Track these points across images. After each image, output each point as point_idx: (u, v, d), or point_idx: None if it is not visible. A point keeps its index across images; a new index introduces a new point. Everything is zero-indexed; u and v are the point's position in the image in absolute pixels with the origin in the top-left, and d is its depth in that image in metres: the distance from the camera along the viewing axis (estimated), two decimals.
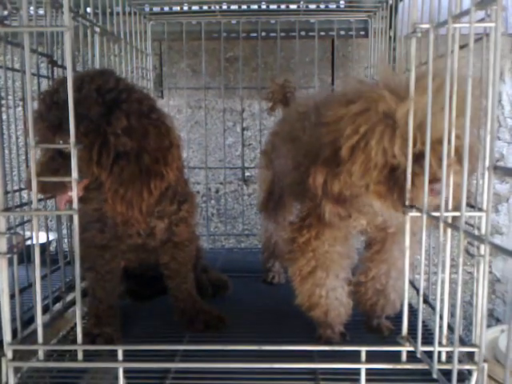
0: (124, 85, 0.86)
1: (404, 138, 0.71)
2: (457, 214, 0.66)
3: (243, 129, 1.87)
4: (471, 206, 0.79)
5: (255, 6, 1.67)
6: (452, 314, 0.75)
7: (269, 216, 1.34)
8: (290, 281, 0.98)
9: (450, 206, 0.68)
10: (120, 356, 0.76)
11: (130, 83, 0.91)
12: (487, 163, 0.62)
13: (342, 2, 1.64)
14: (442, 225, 0.67)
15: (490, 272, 1.88)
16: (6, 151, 1.09)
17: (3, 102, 1.08)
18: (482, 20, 0.75)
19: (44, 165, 0.81)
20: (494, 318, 1.91)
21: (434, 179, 0.69)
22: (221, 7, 1.62)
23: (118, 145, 0.80)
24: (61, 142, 0.80)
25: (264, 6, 1.67)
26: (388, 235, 0.94)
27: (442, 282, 0.69)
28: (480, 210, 0.69)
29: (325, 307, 0.94)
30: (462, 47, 0.67)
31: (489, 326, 1.72)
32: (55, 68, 1.11)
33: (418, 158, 0.71)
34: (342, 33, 1.78)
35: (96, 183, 0.84)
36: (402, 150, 0.72)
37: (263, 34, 1.76)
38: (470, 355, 0.73)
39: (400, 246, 0.91)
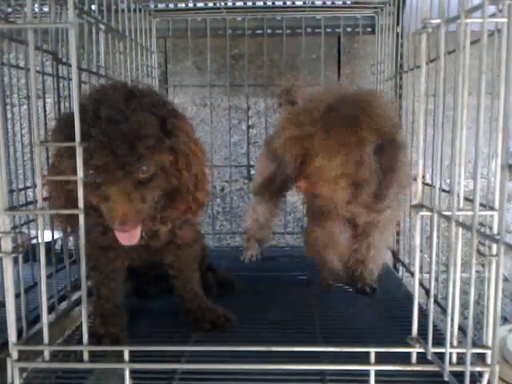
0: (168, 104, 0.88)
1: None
2: (469, 213, 0.65)
3: (249, 127, 1.86)
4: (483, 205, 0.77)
5: (261, 3, 1.66)
6: (461, 314, 0.74)
7: (264, 199, 1.46)
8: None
9: (461, 205, 0.67)
10: (126, 357, 0.76)
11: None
12: (499, 162, 0.61)
13: None
14: (453, 224, 0.66)
15: None
16: (11, 149, 1.09)
17: (8, 100, 1.08)
18: (493, 15, 0.74)
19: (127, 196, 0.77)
20: (501, 318, 1.89)
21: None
22: (226, 4, 1.61)
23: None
24: (144, 168, 0.78)
25: (270, 3, 1.66)
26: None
27: (453, 280, 0.68)
28: (492, 208, 0.68)
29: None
30: (472, 43, 0.66)
31: None
32: (60, 66, 1.10)
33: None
34: (349, 29, 1.77)
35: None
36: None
37: (269, 30, 1.75)
38: (481, 356, 0.72)
39: (379, 228, 1.18)
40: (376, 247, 1.22)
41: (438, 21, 0.67)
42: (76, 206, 0.71)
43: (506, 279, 1.88)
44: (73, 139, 0.70)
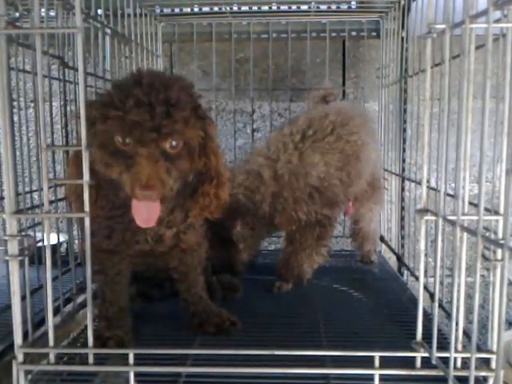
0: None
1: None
2: (474, 217, 0.65)
3: (253, 130, 1.87)
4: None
5: (266, 7, 1.66)
6: (466, 318, 0.74)
7: None
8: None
9: (466, 210, 0.67)
10: (131, 360, 0.76)
11: None
12: (504, 166, 0.61)
13: (353, 3, 1.63)
14: (458, 229, 0.66)
15: None
16: (18, 152, 1.09)
17: (15, 103, 1.08)
18: (498, 20, 0.74)
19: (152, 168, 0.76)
20: (507, 322, 1.88)
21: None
22: (231, 8, 1.62)
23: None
24: (173, 142, 0.79)
25: (275, 7, 1.66)
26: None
27: (458, 286, 0.68)
28: (497, 213, 0.68)
29: None
30: (477, 48, 0.66)
31: None
32: (66, 70, 1.11)
33: None
34: (354, 33, 1.77)
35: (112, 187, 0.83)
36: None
37: (274, 35, 1.75)
38: (486, 361, 0.72)
39: (375, 204, 1.50)
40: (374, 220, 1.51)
41: (443, 26, 0.67)
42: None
43: (510, 283, 1.87)
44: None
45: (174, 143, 0.78)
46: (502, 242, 0.63)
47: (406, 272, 1.47)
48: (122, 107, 0.75)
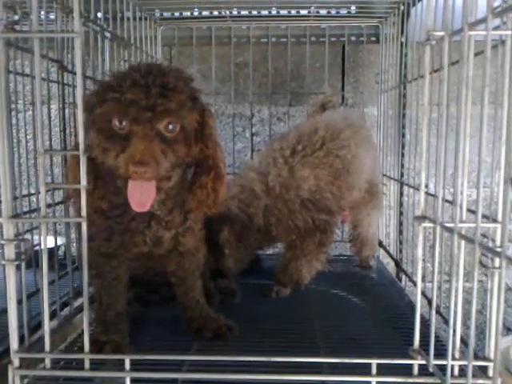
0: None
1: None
2: (472, 225, 0.64)
3: (252, 134, 1.87)
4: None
5: (265, 12, 1.67)
6: (464, 324, 0.74)
7: None
8: None
9: (464, 217, 0.67)
10: (127, 365, 0.76)
11: None
12: (503, 175, 0.61)
13: (352, 8, 1.63)
14: (456, 236, 0.65)
15: None
16: (16, 155, 1.09)
17: (13, 105, 1.08)
18: (497, 28, 0.74)
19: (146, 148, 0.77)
20: (505, 328, 1.88)
21: None
22: (231, 12, 1.62)
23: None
24: (169, 126, 0.79)
25: (274, 12, 1.66)
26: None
27: (455, 292, 0.68)
28: (495, 221, 0.68)
29: None
30: (476, 54, 0.66)
31: None
32: (65, 73, 1.11)
33: None
34: (353, 38, 1.77)
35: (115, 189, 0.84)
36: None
37: (273, 39, 1.76)
38: (483, 368, 0.72)
39: (373, 209, 1.50)
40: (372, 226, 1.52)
41: (442, 33, 0.67)
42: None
43: (509, 289, 1.87)
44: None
45: (170, 126, 0.79)
46: (499, 250, 0.62)
47: (404, 277, 1.46)
48: (119, 89, 0.76)
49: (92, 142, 0.79)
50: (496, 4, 0.70)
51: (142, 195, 0.80)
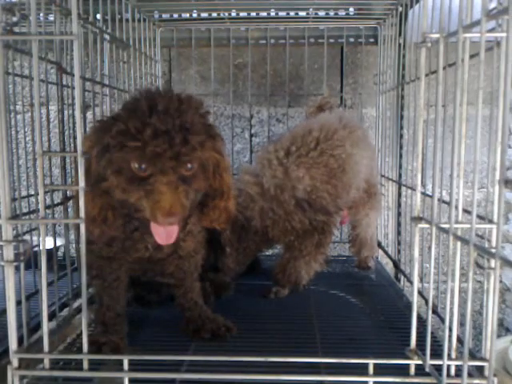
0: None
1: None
2: (467, 226, 0.65)
3: (251, 135, 1.87)
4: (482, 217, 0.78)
5: (264, 13, 1.67)
6: (461, 324, 0.74)
7: None
8: None
9: (460, 218, 0.68)
10: (126, 366, 0.76)
11: None
12: (497, 176, 0.61)
13: (351, 10, 1.64)
14: (451, 237, 0.66)
15: (500, 281, 1.86)
16: (15, 157, 1.10)
17: (12, 107, 1.09)
18: (492, 30, 0.75)
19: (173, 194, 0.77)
20: (503, 328, 1.89)
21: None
22: (230, 14, 1.63)
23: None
24: (189, 166, 0.79)
25: (273, 13, 1.67)
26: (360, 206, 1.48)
27: (451, 292, 0.68)
28: (491, 221, 0.68)
29: None
30: (471, 56, 0.66)
31: (498, 335, 1.70)
32: (64, 75, 1.11)
33: None
34: (352, 40, 1.77)
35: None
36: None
37: (272, 40, 1.76)
38: (480, 368, 0.72)
39: (372, 210, 1.50)
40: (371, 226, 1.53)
41: (437, 35, 0.68)
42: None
43: (508, 289, 1.88)
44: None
45: (189, 166, 0.79)
46: (493, 250, 0.63)
47: (402, 278, 1.47)
48: (140, 137, 0.75)
49: (110, 182, 0.79)
50: (491, 6, 0.71)
51: (167, 234, 0.82)
